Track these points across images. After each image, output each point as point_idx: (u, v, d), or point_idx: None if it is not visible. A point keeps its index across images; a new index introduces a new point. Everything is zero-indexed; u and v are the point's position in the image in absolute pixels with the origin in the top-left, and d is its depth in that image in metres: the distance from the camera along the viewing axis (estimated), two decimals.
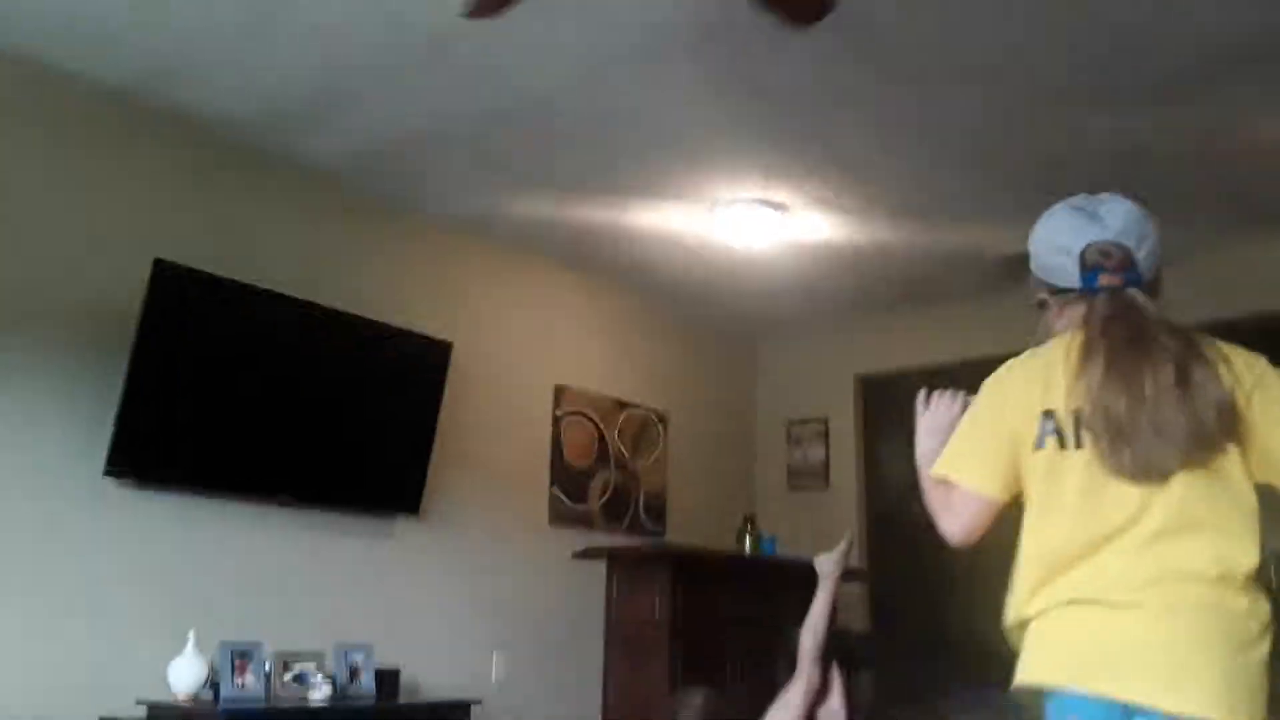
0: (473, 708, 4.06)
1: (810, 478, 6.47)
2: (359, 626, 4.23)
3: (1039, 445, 1.49)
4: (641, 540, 5.61)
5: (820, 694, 3.17)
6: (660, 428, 6.05)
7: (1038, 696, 1.44)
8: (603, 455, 5.66)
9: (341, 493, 4.26)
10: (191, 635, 3.49)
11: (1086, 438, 1.43)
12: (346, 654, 4.02)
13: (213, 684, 3.54)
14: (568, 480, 5.43)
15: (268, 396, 4.01)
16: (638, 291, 5.97)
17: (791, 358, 6.78)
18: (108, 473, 3.56)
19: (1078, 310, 1.54)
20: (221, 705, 3.46)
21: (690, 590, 4.61)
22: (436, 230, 4.94)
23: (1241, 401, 1.41)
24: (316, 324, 4.17)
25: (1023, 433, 1.51)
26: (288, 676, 3.83)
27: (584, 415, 5.59)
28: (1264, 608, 1.37)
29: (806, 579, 5.40)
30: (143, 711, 3.41)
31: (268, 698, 3.65)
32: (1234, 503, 1.39)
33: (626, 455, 5.80)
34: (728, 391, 6.67)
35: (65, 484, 3.52)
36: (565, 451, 5.45)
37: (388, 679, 4.08)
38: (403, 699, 4.13)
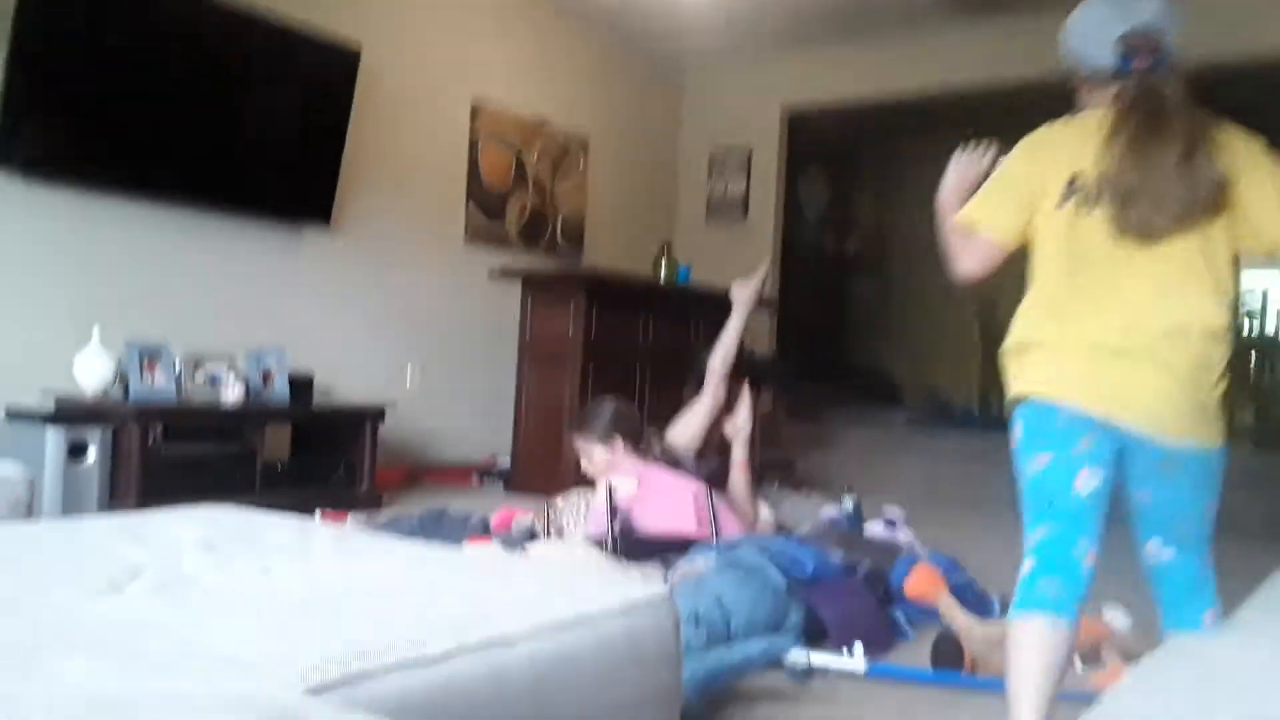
0: (387, 411, 4.17)
1: (729, 209, 6.48)
2: (271, 334, 4.22)
3: (1062, 203, 1.67)
4: (558, 262, 5.63)
5: (726, 409, 3.33)
6: (581, 152, 5.91)
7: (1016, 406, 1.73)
8: (521, 177, 5.53)
9: (245, 197, 4.09)
10: (96, 330, 3.44)
11: (1104, 201, 1.63)
12: (260, 357, 4.03)
13: (121, 382, 3.54)
14: (485, 199, 5.33)
15: (163, 93, 3.74)
16: (564, 5, 5.62)
17: (719, 87, 6.58)
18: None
19: (1109, 91, 1.71)
20: (131, 399, 3.47)
21: (605, 313, 4.68)
22: None
23: (1233, 179, 1.65)
24: (215, 21, 3.84)
25: (1050, 189, 1.68)
26: (199, 378, 3.84)
27: (501, 136, 5.40)
28: (1227, 354, 1.66)
29: (718, 307, 5.53)
30: (50, 402, 3.41)
31: (179, 398, 3.67)
32: (1219, 265, 1.65)
33: (546, 178, 5.68)
34: (652, 118, 6.50)
35: None
36: (483, 173, 5.31)
37: (301, 384, 4.13)
38: (317, 402, 4.21)
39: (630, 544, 2.59)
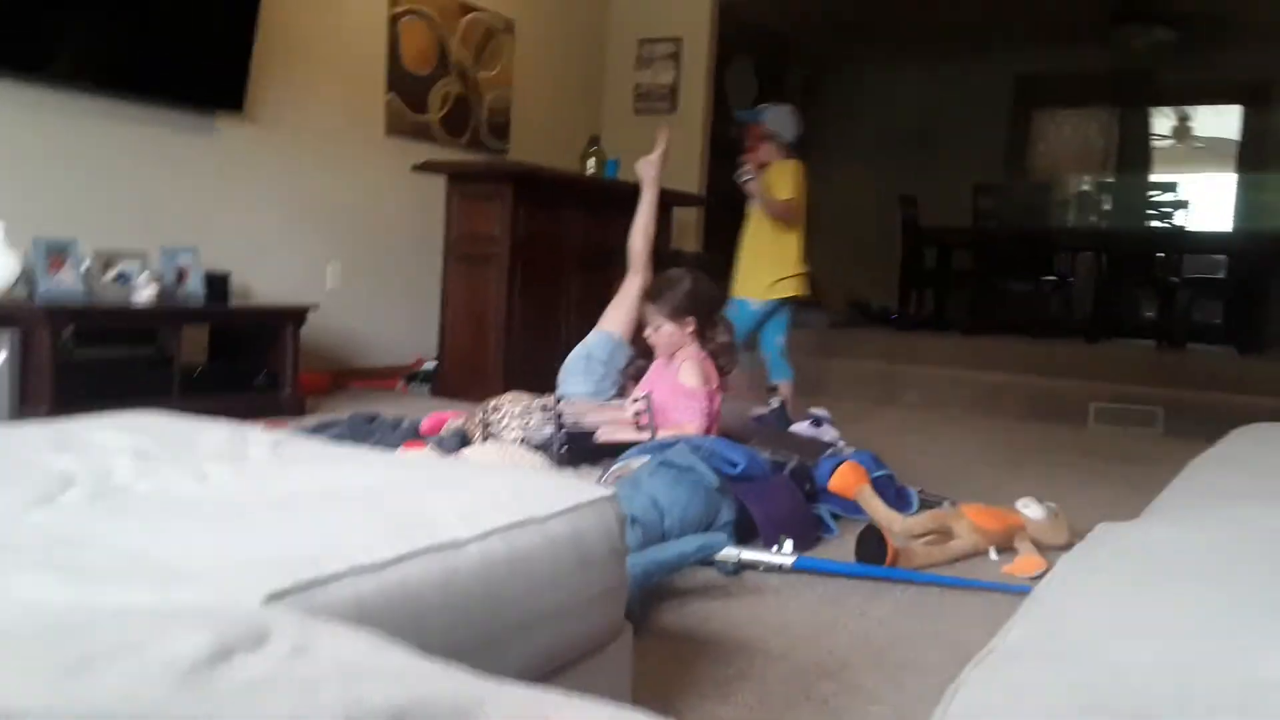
0: (309, 313, 4.07)
1: (658, 100, 6.37)
2: (184, 230, 4.05)
3: None
4: (483, 156, 5.49)
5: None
6: (507, 37, 5.71)
7: None
8: (443, 63, 5.34)
9: (151, 79, 3.87)
10: (1, 225, 3.26)
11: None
12: (174, 254, 3.87)
13: (27, 281, 3.37)
14: (406, 88, 5.14)
15: None
16: None
17: None
18: None
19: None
20: (38, 300, 3.32)
21: (532, 209, 4.59)
22: None
23: None
24: None
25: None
26: (109, 276, 3.69)
27: (423, 16, 5.18)
28: None
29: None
30: None
31: (89, 298, 3.52)
32: None
33: (469, 64, 5.49)
34: (579, 5, 6.30)
35: None
36: (403, 57, 5.10)
37: (217, 283, 4.00)
38: (234, 304, 4.09)
39: (578, 447, 2.61)
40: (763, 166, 3.97)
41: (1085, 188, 8.51)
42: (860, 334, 6.64)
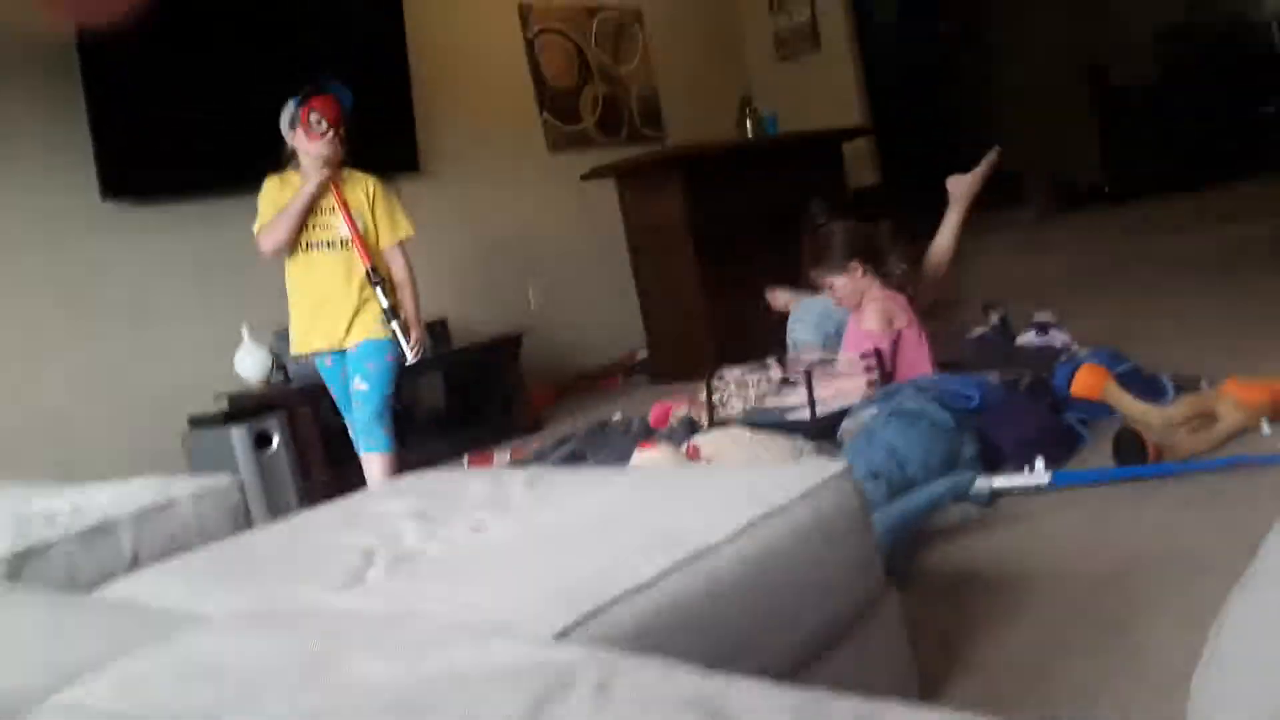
0: (523, 336, 4.30)
1: (799, 42, 6.25)
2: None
3: None
4: (644, 147, 5.58)
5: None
6: (638, 26, 5.77)
7: None
8: (585, 69, 5.46)
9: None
10: (245, 328, 3.64)
11: None
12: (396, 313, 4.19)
13: (279, 367, 3.75)
14: (556, 103, 5.30)
15: (228, 81, 3.84)
16: None
17: None
18: (105, 198, 3.54)
19: None
20: (294, 382, 3.69)
21: (702, 186, 4.62)
22: None
23: None
24: None
25: None
26: None
27: (556, 31, 5.32)
28: None
29: (812, 147, 5.41)
30: (224, 403, 3.65)
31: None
32: None
33: (609, 64, 5.59)
34: None
35: (65, 214, 3.53)
36: (547, 75, 5.27)
37: (437, 328, 4.29)
38: (456, 344, 4.37)
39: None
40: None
41: None
42: (1071, 220, 6.26)
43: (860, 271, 2.93)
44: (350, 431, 2.93)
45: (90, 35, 3.42)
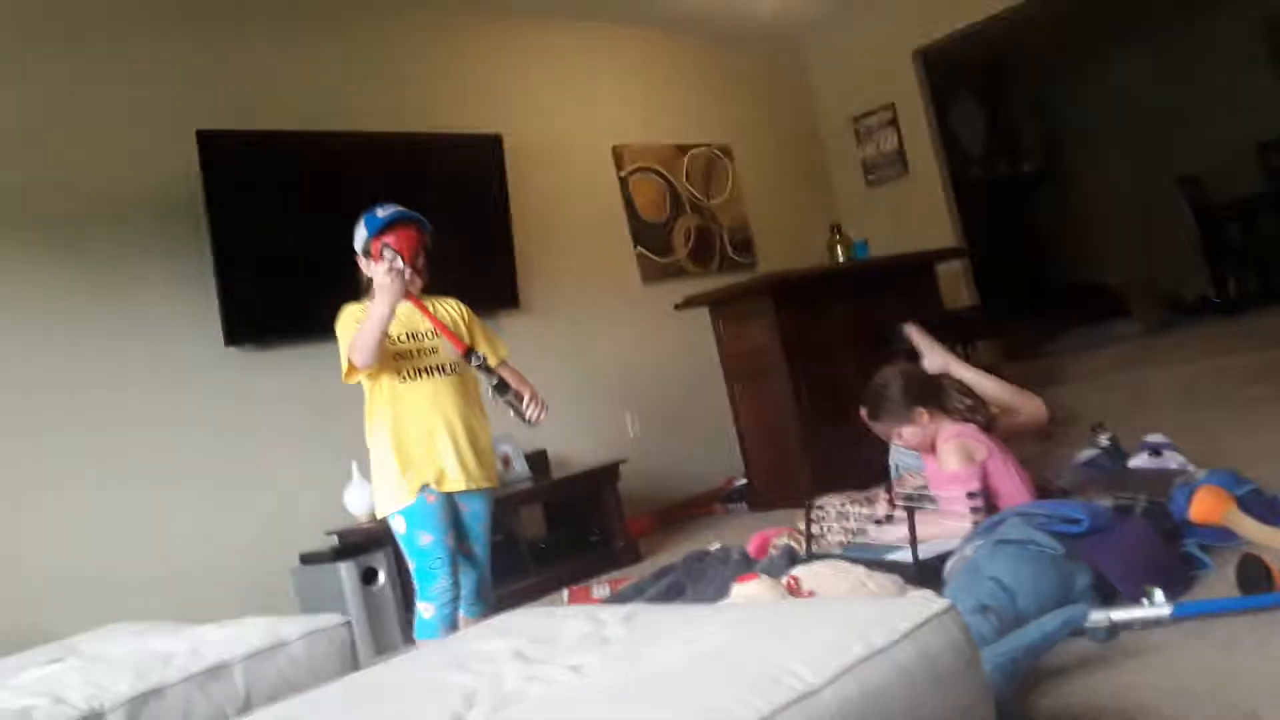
0: (621, 465, 4.34)
1: (887, 168, 6.34)
2: (496, 426, 4.47)
3: None
4: (735, 276, 5.68)
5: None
6: (727, 161, 5.96)
7: None
8: (676, 203, 5.64)
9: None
10: (354, 465, 3.77)
11: None
12: (498, 444, 4.28)
13: None
14: (650, 236, 5.47)
15: (340, 231, 4.07)
16: (668, 27, 5.72)
17: (841, 48, 6.47)
18: (229, 345, 3.77)
19: None
20: None
21: (795, 313, 4.66)
22: (453, 19, 4.81)
23: None
24: (368, 150, 4.19)
25: None
26: None
27: (648, 169, 5.54)
28: None
29: (904, 270, 5.43)
30: (334, 540, 3.76)
31: None
32: None
33: (700, 197, 5.77)
34: (785, 103, 6.47)
35: (190, 360, 3.77)
36: (640, 211, 5.46)
37: (538, 460, 4.37)
38: (555, 475, 4.43)
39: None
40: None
41: None
42: (1181, 334, 6.06)
43: (926, 417, 2.86)
44: (416, 576, 2.54)
45: (219, 198, 3.71)
